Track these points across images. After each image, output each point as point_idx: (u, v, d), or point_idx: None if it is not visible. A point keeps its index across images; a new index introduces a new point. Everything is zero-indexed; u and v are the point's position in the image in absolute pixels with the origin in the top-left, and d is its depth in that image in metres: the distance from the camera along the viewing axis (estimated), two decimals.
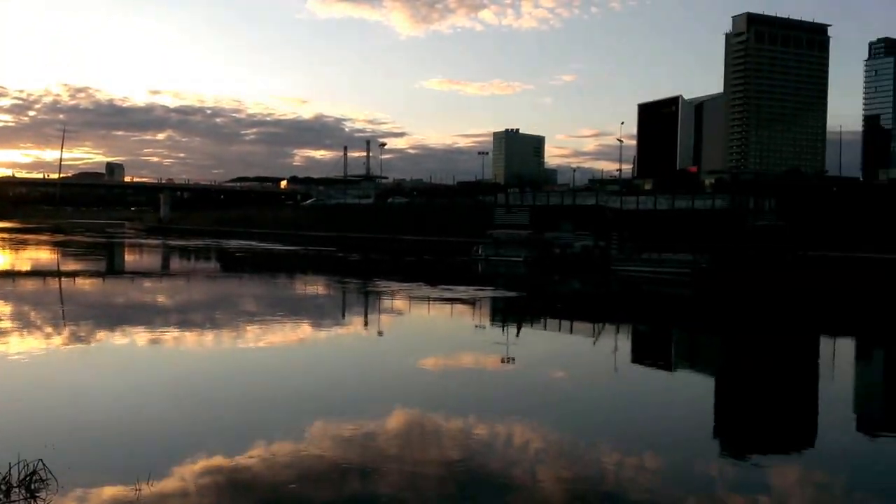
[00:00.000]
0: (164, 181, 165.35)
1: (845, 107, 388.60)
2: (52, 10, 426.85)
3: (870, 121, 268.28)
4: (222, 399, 13.67)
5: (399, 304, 30.98)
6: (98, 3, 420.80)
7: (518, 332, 24.24)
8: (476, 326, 25.91)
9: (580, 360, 19.49)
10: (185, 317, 25.33)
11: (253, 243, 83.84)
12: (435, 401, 13.71)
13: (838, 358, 22.02)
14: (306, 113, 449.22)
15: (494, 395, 14.65)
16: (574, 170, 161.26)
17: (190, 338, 20.65)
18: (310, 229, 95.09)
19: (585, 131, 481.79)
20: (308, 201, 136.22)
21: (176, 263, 60.08)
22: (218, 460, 9.78)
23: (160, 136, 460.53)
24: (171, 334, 21.09)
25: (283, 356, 18.56)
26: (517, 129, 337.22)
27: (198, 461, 9.72)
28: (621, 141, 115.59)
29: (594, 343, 22.86)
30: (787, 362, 20.03)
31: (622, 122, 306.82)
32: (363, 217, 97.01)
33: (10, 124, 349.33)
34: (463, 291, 35.36)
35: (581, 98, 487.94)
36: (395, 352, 19.80)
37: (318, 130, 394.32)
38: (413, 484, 9.32)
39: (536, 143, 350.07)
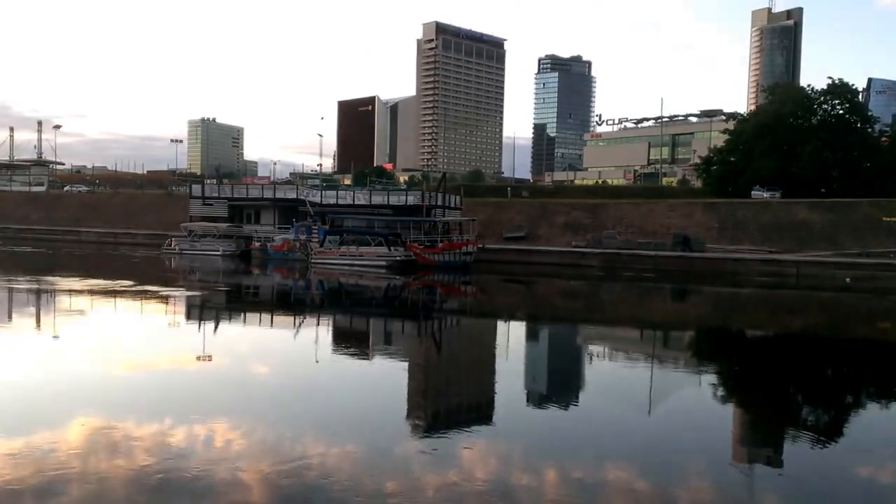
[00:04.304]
0: None
1: (518, 115, 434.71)
2: None
3: (538, 129, 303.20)
4: None
5: (80, 302, 28.28)
6: None
7: (215, 329, 23.47)
8: (170, 324, 24.49)
9: (278, 353, 19.39)
10: None
11: None
12: (122, 407, 12.73)
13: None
14: None
15: (188, 396, 14.04)
16: (275, 163, 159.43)
17: None
18: None
19: (287, 124, 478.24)
20: None
21: None
22: None
23: None
24: None
25: None
26: (214, 118, 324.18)
27: None
28: (321, 136, 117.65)
29: (295, 336, 22.93)
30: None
31: (322, 117, 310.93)
32: (34, 207, 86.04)
33: None
34: (150, 287, 33.36)
35: (281, 92, 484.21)
36: (73, 356, 17.94)
37: None
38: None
39: (235, 133, 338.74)
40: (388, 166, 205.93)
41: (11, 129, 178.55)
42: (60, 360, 17.32)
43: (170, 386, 14.91)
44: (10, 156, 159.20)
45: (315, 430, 11.77)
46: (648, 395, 15.87)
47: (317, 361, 18.43)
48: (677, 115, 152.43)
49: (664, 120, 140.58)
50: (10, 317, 24.77)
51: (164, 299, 30.59)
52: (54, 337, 20.73)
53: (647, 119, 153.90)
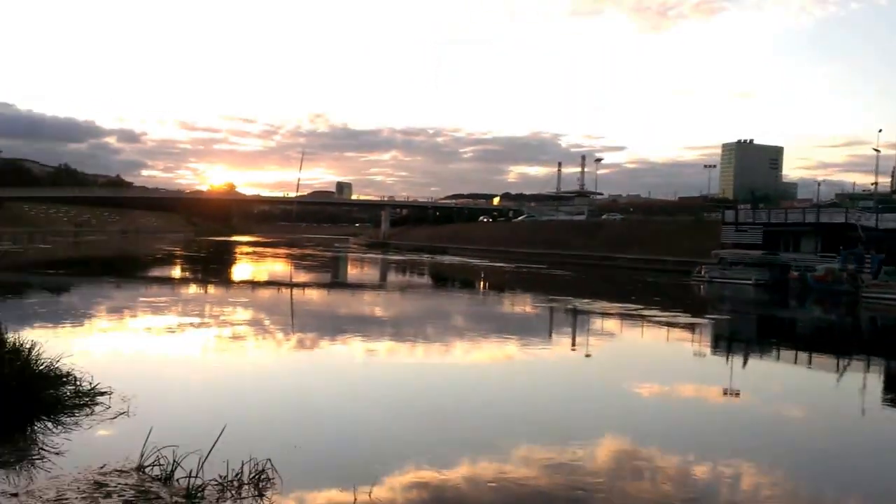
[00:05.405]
0: (385, 198, 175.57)
1: None
2: (296, 49, 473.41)
3: None
4: (433, 412, 13.80)
5: (610, 325, 30.05)
6: (331, 45, 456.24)
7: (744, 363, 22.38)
8: (695, 354, 24.25)
9: (816, 398, 17.40)
10: (398, 329, 26.05)
11: (464, 259, 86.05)
12: (646, 432, 12.81)
13: None
14: (523, 130, 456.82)
15: (713, 431, 13.47)
16: (818, 183, 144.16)
17: (403, 350, 21.21)
18: (520, 246, 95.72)
19: (833, 141, 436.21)
20: (519, 217, 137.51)
21: (393, 277, 63.39)
22: (427, 474, 9.73)
23: (386, 157, 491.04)
24: (385, 345, 21.80)
25: (489, 373, 18.46)
26: (751, 140, 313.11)
27: (407, 473, 9.70)
28: (878, 151, 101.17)
29: (837, 381, 20.40)
30: None
31: (880, 130, 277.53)
32: (575, 234, 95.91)
33: (258, 148, 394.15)
34: (677, 314, 33.69)
35: (829, 104, 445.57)
36: (603, 376, 18.98)
37: (535, 146, 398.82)
38: None
39: (773, 154, 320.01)
40: None
41: (559, 164, 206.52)
42: (591, 378, 18.54)
43: (695, 418, 14.58)
44: (557, 188, 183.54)
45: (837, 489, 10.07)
46: None
47: (862, 413, 15.98)
48: None
49: None
50: (549, 334, 27.69)
51: (690, 327, 30.54)
52: (586, 356, 22.31)
53: None
